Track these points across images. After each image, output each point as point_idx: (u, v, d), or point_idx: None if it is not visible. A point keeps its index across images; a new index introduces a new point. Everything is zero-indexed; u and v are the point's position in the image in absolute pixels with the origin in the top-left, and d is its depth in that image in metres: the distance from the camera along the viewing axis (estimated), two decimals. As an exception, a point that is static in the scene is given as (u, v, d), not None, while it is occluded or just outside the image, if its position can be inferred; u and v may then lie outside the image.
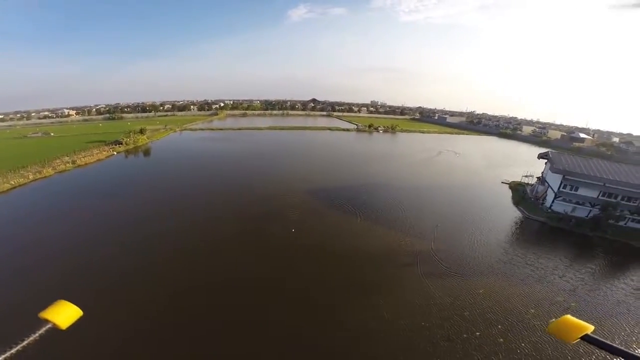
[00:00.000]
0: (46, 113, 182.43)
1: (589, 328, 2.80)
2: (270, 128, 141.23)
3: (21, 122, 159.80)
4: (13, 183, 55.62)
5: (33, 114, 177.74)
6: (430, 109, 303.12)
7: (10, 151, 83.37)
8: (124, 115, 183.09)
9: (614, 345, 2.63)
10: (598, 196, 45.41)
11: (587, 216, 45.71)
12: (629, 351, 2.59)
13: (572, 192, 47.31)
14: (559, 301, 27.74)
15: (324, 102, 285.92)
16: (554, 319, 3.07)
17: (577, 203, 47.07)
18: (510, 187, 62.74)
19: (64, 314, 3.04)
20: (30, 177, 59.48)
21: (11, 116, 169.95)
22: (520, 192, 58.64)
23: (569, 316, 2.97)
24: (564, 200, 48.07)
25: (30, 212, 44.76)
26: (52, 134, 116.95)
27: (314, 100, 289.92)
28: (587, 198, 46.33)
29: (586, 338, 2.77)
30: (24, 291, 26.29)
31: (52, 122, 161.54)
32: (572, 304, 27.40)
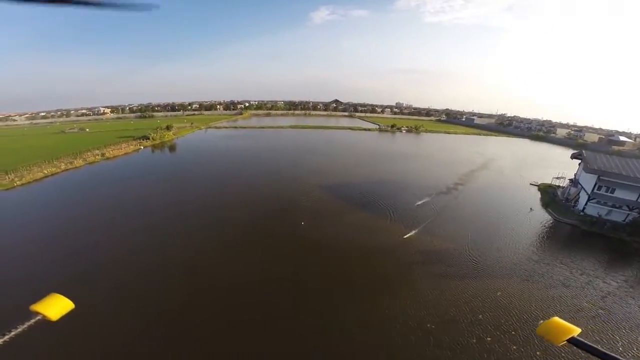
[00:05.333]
0: (84, 111, 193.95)
1: (576, 331, 2.74)
2: (292, 127, 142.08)
3: (61, 119, 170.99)
4: (46, 172, 59.47)
5: (72, 112, 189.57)
6: (458, 111, 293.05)
7: (48, 145, 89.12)
8: (155, 113, 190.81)
9: (601, 349, 2.57)
10: (638, 199, 41.43)
11: (624, 220, 41.84)
12: (615, 355, 2.52)
13: (608, 194, 43.44)
14: (586, 307, 25.32)
15: (346, 103, 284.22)
16: (542, 321, 3.02)
17: (613, 206, 43.15)
18: (540, 189, 58.96)
19: (56, 307, 3.11)
20: (62, 167, 63.29)
21: (52, 114, 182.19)
22: (550, 195, 54.91)
23: (557, 318, 2.95)
24: (598, 202, 44.29)
25: (57, 200, 47.74)
26: (87, 129, 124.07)
27: (336, 101, 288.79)
28: (624, 201, 42.37)
29: (573, 341, 2.72)
30: (33, 283, 27.43)
31: (88, 120, 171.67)
32: (601, 311, 24.91)
